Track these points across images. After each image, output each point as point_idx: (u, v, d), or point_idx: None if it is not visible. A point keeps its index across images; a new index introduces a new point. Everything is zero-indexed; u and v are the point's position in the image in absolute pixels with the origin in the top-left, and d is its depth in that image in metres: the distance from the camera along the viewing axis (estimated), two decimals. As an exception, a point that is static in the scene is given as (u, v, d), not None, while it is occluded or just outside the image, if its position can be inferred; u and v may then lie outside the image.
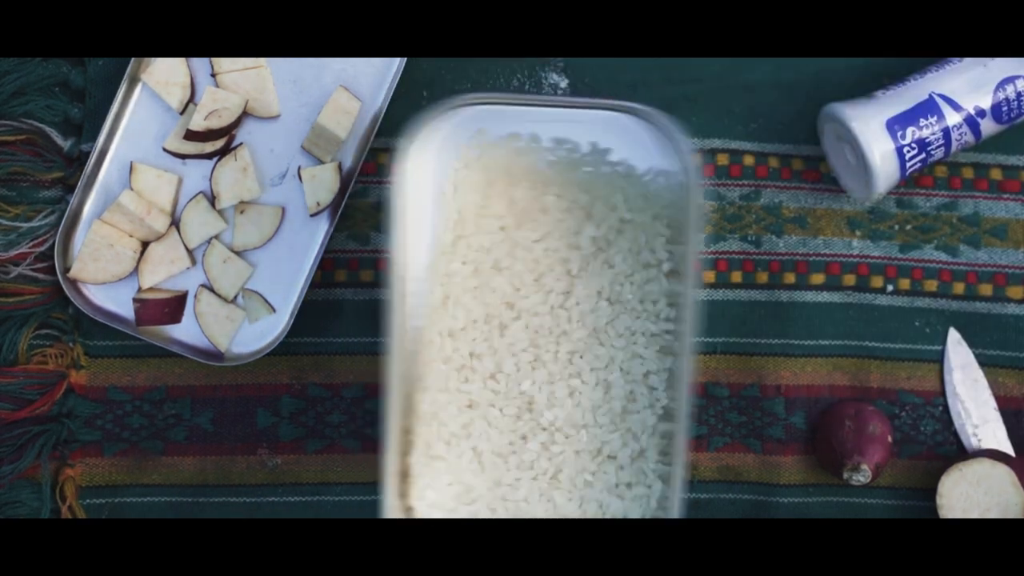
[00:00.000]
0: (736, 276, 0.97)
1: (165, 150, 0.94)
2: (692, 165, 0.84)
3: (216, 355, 0.94)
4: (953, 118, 0.92)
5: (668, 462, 0.85)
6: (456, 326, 0.86)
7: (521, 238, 0.87)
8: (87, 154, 0.94)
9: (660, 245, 0.87)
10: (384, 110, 0.94)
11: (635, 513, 0.86)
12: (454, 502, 0.86)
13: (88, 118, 0.96)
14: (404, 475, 0.86)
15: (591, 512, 0.86)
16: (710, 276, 0.97)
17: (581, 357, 0.87)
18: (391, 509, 0.83)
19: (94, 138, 0.94)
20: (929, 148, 0.92)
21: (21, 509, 0.95)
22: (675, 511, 0.83)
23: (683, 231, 0.85)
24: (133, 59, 0.93)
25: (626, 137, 0.87)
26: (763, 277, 0.97)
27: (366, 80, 0.95)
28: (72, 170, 0.95)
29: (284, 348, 0.94)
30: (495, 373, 0.86)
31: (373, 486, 0.83)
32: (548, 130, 0.87)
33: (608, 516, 0.86)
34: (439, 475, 0.86)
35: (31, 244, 0.95)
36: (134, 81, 0.94)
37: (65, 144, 0.95)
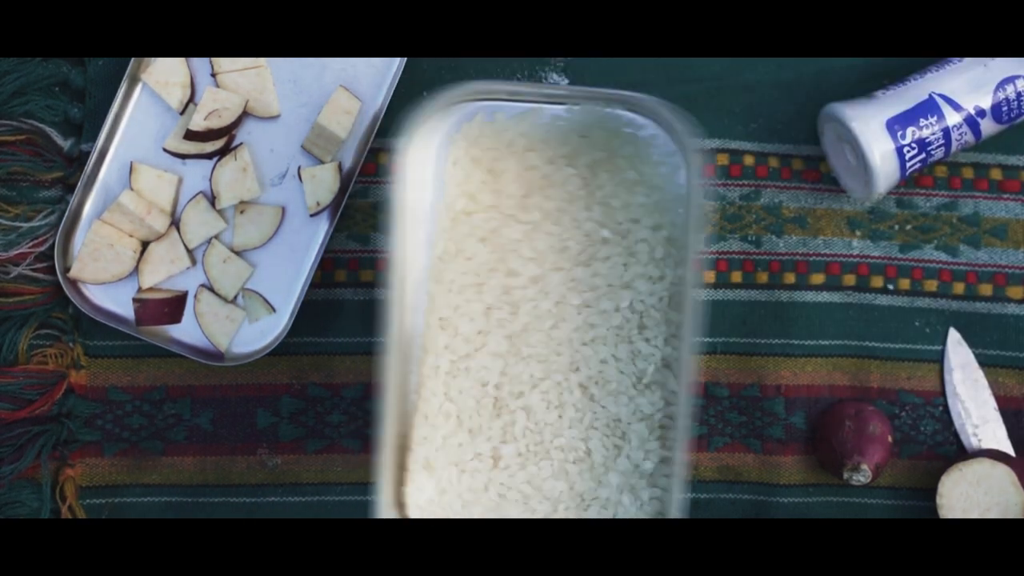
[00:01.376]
0: (736, 276, 0.97)
1: (165, 150, 0.94)
2: (695, 160, 0.83)
3: (216, 355, 0.94)
4: (953, 118, 0.91)
5: (668, 463, 0.85)
6: (451, 316, 0.87)
7: (522, 220, 0.88)
8: (87, 154, 0.94)
9: (661, 238, 0.87)
10: (384, 110, 0.94)
11: (636, 514, 0.86)
12: (445, 508, 0.86)
13: (88, 118, 0.96)
14: (399, 474, 0.86)
15: (592, 514, 0.87)
16: (710, 276, 0.97)
17: (577, 352, 0.87)
18: (385, 508, 0.83)
19: (94, 138, 0.94)
20: (929, 148, 0.92)
21: (21, 509, 0.95)
22: (675, 511, 0.83)
23: (684, 225, 0.85)
24: (133, 59, 0.93)
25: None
26: (763, 277, 0.97)
27: (366, 80, 0.95)
28: (72, 170, 0.95)
29: (284, 348, 0.94)
30: (491, 370, 0.87)
31: (373, 486, 0.83)
32: (544, 131, 0.88)
33: (608, 516, 0.87)
34: (433, 476, 0.86)
35: (31, 244, 0.95)
36: (134, 81, 0.94)
37: (65, 144, 0.95)
